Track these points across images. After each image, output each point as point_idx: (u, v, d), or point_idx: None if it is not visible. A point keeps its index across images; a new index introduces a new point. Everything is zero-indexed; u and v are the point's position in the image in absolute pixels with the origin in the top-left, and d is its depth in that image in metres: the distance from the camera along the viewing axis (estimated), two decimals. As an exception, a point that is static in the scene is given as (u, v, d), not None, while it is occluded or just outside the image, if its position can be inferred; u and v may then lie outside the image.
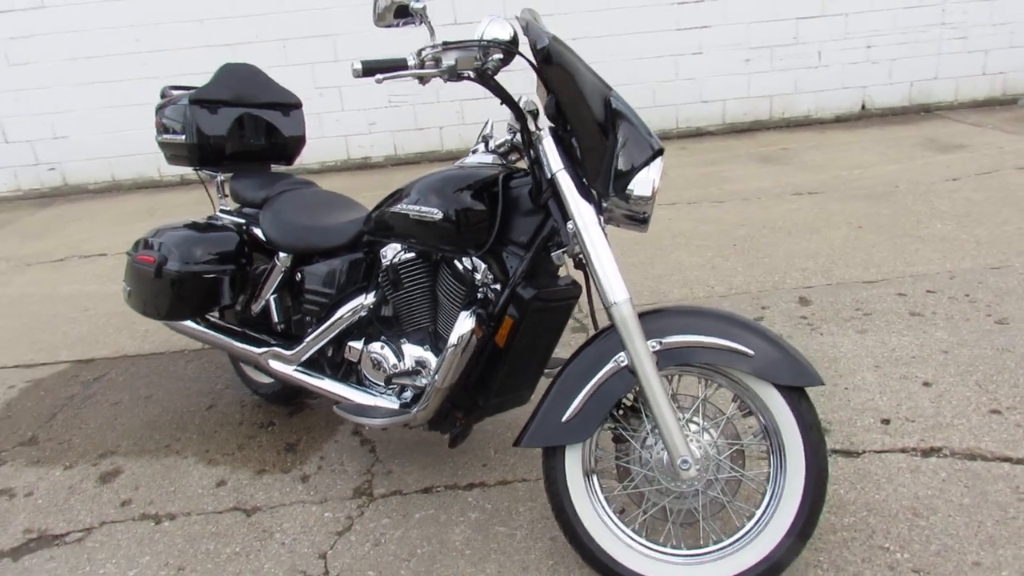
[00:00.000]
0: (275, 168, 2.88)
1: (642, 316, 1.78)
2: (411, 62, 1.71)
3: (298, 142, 2.84)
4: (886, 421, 2.34)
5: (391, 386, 2.17)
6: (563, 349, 2.80)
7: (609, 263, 1.73)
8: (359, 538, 2.07)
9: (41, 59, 5.97)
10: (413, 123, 6.36)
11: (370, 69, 1.68)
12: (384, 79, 1.70)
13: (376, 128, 6.36)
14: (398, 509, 2.17)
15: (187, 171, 6.32)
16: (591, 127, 1.71)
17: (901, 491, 2.04)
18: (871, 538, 1.89)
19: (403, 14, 1.73)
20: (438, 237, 1.96)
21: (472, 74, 1.77)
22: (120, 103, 6.11)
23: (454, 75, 1.74)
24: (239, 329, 2.58)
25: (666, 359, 1.74)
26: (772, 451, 1.76)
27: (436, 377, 2.00)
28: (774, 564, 1.70)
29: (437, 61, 1.72)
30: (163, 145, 2.71)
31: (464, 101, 6.31)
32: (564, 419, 1.75)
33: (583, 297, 2.15)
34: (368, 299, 2.22)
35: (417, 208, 1.96)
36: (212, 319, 2.68)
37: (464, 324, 1.96)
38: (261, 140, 2.70)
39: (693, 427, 1.81)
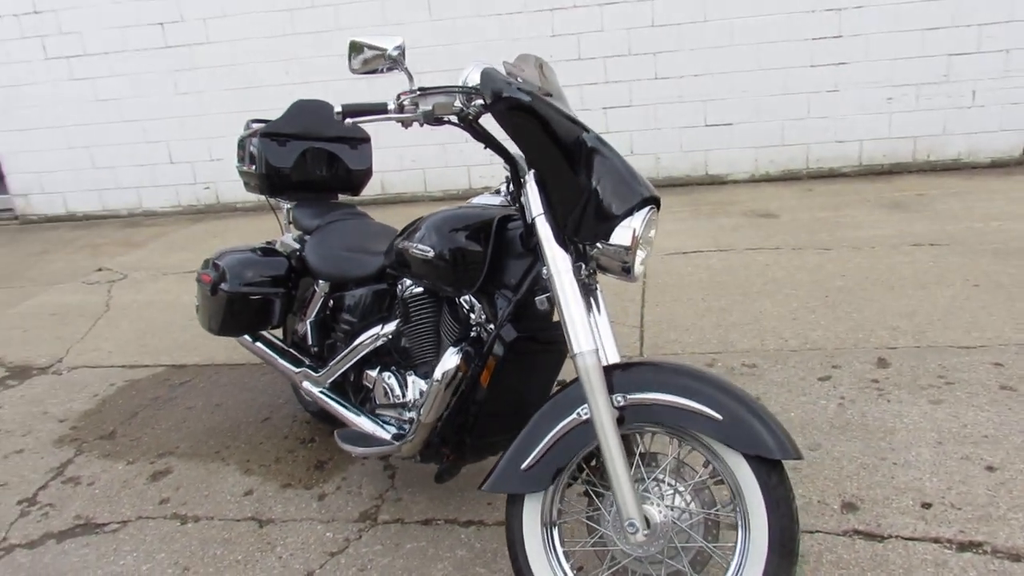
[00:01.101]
0: (342, 198, 3.03)
1: (615, 368, 1.73)
2: (391, 106, 1.77)
3: (363, 175, 2.98)
4: (927, 505, 2.11)
5: (390, 417, 2.22)
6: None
7: (577, 312, 1.70)
8: (348, 561, 2.13)
9: (203, 89, 6.63)
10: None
11: (351, 112, 1.76)
12: (362, 122, 1.77)
13: (497, 158, 6.52)
14: (393, 537, 2.21)
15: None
16: (561, 175, 1.69)
17: (916, 586, 1.83)
18: (861, 634, 1.71)
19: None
20: (432, 274, 2.00)
21: (454, 119, 1.81)
22: (268, 130, 6.68)
23: (431, 119, 1.78)
24: (286, 348, 2.73)
25: (632, 415, 1.68)
26: (739, 523, 1.64)
27: (421, 411, 2.03)
28: (723, 647, 1.58)
29: (416, 105, 1.77)
30: (241, 173, 2.94)
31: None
32: (523, 467, 1.73)
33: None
34: (386, 329, 2.30)
35: (415, 245, 2.02)
36: (269, 337, 2.85)
37: (449, 360, 1.99)
38: (324, 172, 2.87)
39: (666, 489, 1.73)
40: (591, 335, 1.69)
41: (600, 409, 1.63)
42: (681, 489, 1.72)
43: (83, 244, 6.22)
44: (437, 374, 1.99)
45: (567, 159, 1.69)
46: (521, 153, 1.83)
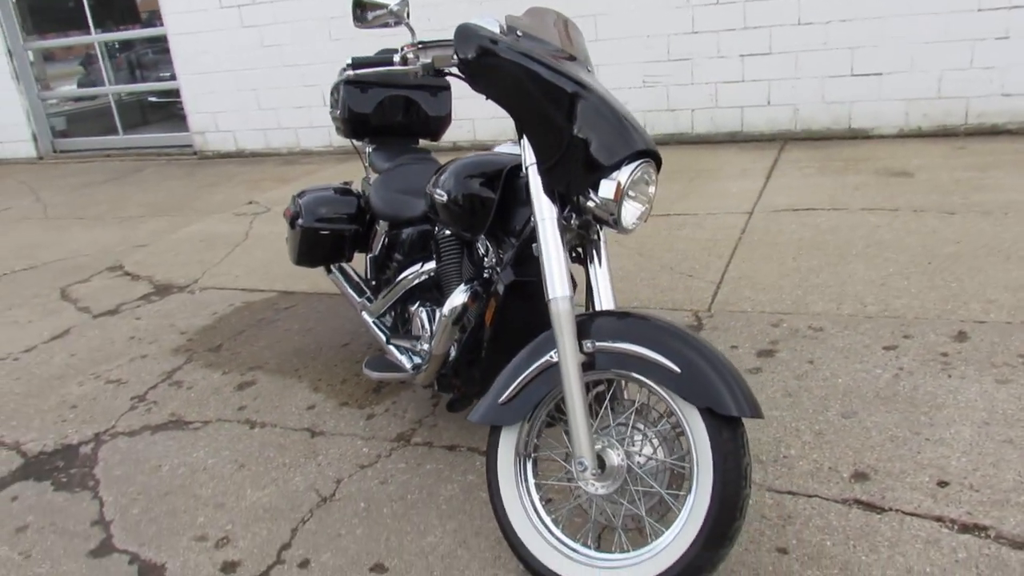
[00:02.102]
0: (422, 144, 3.21)
1: (595, 316, 1.80)
2: (395, 59, 1.90)
3: (442, 121, 3.14)
4: (943, 484, 2.02)
5: (416, 348, 2.40)
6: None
7: (556, 259, 1.78)
8: (374, 474, 2.36)
9: (354, 36, 7.01)
10: (666, 103, 6.34)
11: (359, 64, 1.90)
12: (368, 73, 1.91)
13: (628, 107, 6.46)
14: (419, 458, 2.41)
15: (463, 138, 7.03)
16: (543, 129, 1.75)
17: (896, 560, 1.79)
18: (818, 597, 1.71)
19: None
20: (447, 216, 2.13)
21: (454, 70, 1.90)
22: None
23: (431, 71, 1.89)
24: (357, 282, 2.98)
25: (601, 362, 1.75)
26: (691, 476, 1.69)
27: (432, 344, 2.20)
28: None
29: (417, 57, 1.88)
30: (332, 118, 3.19)
31: (719, 84, 6.12)
32: (500, 401, 1.85)
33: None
34: (425, 267, 2.46)
35: (436, 189, 2.15)
36: (347, 270, 3.11)
37: (457, 297, 2.13)
38: (403, 118, 3.04)
39: (635, 436, 1.79)
40: (566, 282, 1.77)
41: (566, 352, 1.71)
42: (643, 436, 1.77)
43: (244, 179, 6.87)
44: (445, 309, 2.13)
45: (551, 113, 1.74)
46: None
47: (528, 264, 2.06)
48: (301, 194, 2.96)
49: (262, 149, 7.87)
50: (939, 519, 1.90)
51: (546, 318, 2.14)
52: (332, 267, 3.06)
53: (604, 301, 1.95)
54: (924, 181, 4.59)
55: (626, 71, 6.34)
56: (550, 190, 1.82)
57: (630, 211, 1.82)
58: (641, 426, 1.79)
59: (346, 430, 2.62)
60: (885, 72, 5.70)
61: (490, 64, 1.74)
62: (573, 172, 1.77)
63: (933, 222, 3.88)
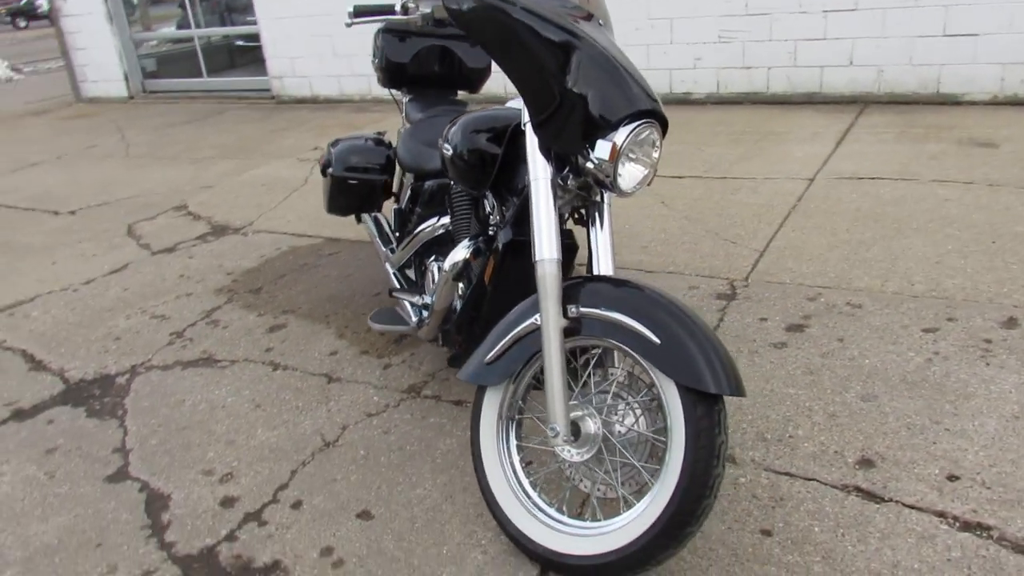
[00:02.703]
0: (461, 96, 3.17)
1: (585, 280, 1.76)
2: (397, 7, 1.86)
3: (480, 73, 3.08)
4: (953, 478, 1.91)
5: (424, 302, 2.41)
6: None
7: (546, 220, 1.74)
8: (379, 423, 2.40)
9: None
10: (740, 61, 6.07)
11: (360, 11, 1.88)
12: (370, 22, 1.89)
13: (701, 64, 6.21)
14: (424, 410, 2.44)
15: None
16: (538, 85, 1.70)
17: (884, 554, 1.71)
18: (792, 583, 1.65)
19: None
20: (453, 171, 2.10)
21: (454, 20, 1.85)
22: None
23: (430, 20, 1.85)
24: (385, 232, 3.00)
25: (585, 328, 1.71)
26: (666, 450, 1.64)
27: (434, 298, 2.19)
28: (616, 565, 1.62)
29: (417, 6, 1.84)
30: (373, 66, 3.18)
31: (799, 41, 5.81)
32: (486, 360, 1.84)
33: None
34: (441, 221, 2.45)
35: (444, 142, 2.13)
36: (380, 219, 3.13)
37: (458, 253, 2.12)
38: (439, 68, 3.01)
39: (617, 406, 1.76)
40: (554, 245, 1.73)
41: (548, 315, 1.68)
42: (625, 407, 1.73)
43: (314, 125, 6.97)
44: (446, 264, 2.12)
45: (543, 67, 1.68)
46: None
47: (528, 224, 2.02)
48: (335, 143, 2.98)
49: (336, 95, 7.96)
50: (940, 514, 1.80)
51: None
52: (365, 216, 3.08)
53: (603, 266, 1.90)
54: (1009, 153, 4.26)
55: (701, 25, 6.09)
56: (546, 149, 1.78)
57: (630, 174, 1.76)
58: (625, 396, 1.75)
59: (361, 378, 2.67)
60: (981, 33, 5.28)
61: (479, 14, 1.68)
62: (569, 131, 1.72)
63: (1008, 198, 3.61)
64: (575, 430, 1.71)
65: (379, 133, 3.05)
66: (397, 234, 2.86)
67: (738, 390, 1.57)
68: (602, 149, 1.70)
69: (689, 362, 1.56)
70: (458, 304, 2.24)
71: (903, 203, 3.68)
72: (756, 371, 2.45)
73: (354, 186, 2.87)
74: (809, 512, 1.85)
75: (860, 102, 5.69)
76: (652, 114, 1.73)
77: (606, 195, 1.93)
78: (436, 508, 2.00)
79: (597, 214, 1.94)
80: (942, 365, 2.37)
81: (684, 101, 6.35)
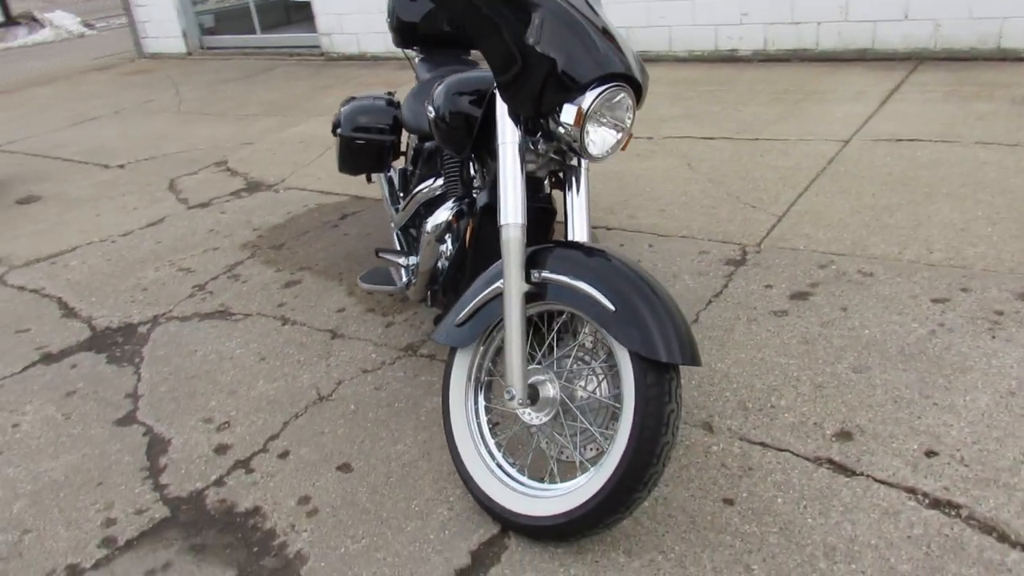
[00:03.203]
0: (475, 56, 3.15)
1: (552, 246, 1.77)
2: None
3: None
4: (932, 454, 1.86)
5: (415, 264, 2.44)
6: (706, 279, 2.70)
7: (511, 185, 1.75)
8: (373, 379, 2.46)
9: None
10: (789, 16, 5.83)
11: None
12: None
13: (748, 19, 5.99)
14: (417, 369, 2.49)
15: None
16: (502, 49, 1.68)
17: (843, 527, 1.70)
18: (746, 553, 1.66)
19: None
20: (435, 133, 2.11)
21: None
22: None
23: None
24: (396, 192, 3.04)
25: (548, 293, 1.72)
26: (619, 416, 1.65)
27: (418, 260, 2.23)
28: (566, 527, 1.65)
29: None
30: (388, 26, 3.19)
31: (853, -5, 5.55)
32: (456, 323, 1.87)
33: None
34: (437, 182, 2.47)
35: (428, 104, 2.13)
36: (394, 180, 3.16)
37: (440, 215, 2.14)
38: (445, 27, 2.99)
39: (581, 370, 1.77)
40: (519, 210, 1.73)
41: (510, 280, 1.70)
42: (588, 373, 1.74)
43: (358, 83, 7.02)
44: (428, 226, 2.15)
45: (506, 30, 1.66)
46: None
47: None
48: (347, 102, 3.01)
49: (383, 53, 7.97)
50: (911, 491, 1.77)
51: (540, 232, 2.12)
52: (378, 176, 3.12)
53: (577, 232, 1.89)
54: (1065, 114, 4.03)
55: (750, -22, 5.88)
56: (515, 113, 1.77)
57: (602, 139, 1.75)
58: (589, 362, 1.76)
59: (363, 335, 2.73)
60: (1050, -16, 4.96)
61: None
62: (533, 94, 1.71)
63: (1053, 163, 3.42)
64: (534, 393, 1.73)
65: (389, 93, 3.07)
66: (401, 194, 2.89)
67: (691, 360, 1.57)
68: (568, 113, 1.69)
69: (642, 330, 1.56)
70: (444, 265, 2.26)
71: (938, 166, 3.53)
72: (751, 339, 2.41)
73: (362, 146, 2.91)
74: (776, 483, 1.84)
75: (914, 59, 5.42)
76: (625, 78, 1.71)
77: (583, 160, 1.91)
78: (412, 464, 2.06)
79: (574, 178, 1.93)
80: (945, 337, 2.30)
81: (729, 59, 6.16)
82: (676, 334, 1.56)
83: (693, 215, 3.37)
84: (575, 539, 1.69)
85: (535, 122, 1.78)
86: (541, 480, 1.79)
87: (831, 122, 4.32)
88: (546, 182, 2.03)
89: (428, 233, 2.16)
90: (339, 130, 2.92)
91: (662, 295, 1.61)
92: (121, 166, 5.23)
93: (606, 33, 1.74)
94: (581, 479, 1.67)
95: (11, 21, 13.33)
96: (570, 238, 1.89)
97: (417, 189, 2.55)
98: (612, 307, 1.59)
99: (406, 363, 2.53)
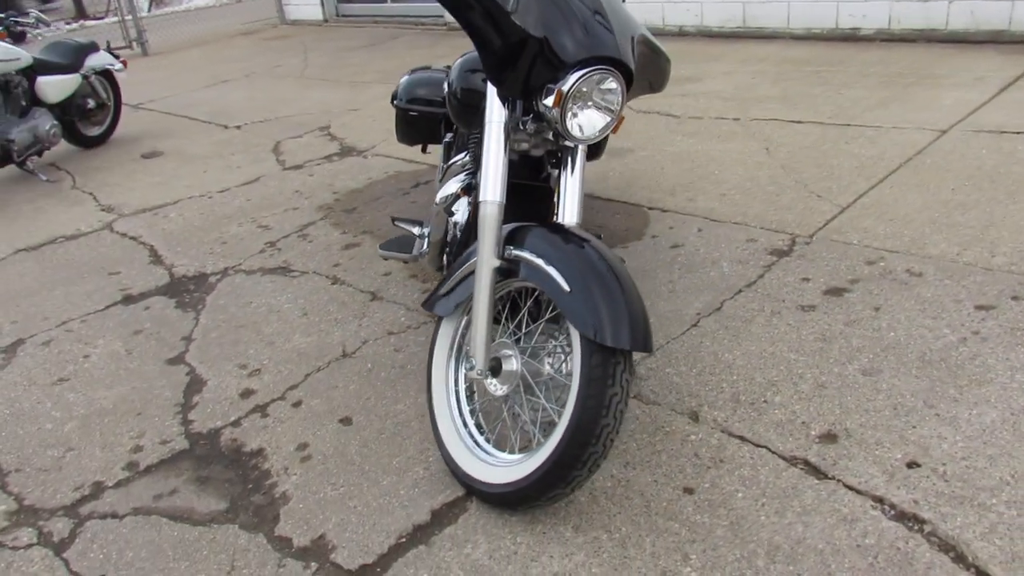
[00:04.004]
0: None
1: (528, 226, 1.81)
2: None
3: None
4: (913, 465, 1.78)
5: (436, 233, 2.53)
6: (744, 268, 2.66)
7: (494, 163, 1.81)
8: (395, 341, 2.60)
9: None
10: (919, -8, 5.44)
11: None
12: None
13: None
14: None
15: (689, 23, 6.63)
16: (490, 31, 1.72)
17: (794, 528, 1.67)
18: (689, 543, 1.67)
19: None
20: (449, 108, 2.19)
21: None
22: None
23: None
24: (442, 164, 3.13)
25: (520, 270, 1.77)
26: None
27: (430, 230, 2.32)
28: (511, 496, 1.71)
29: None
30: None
31: (991, -30, 5.10)
32: (442, 293, 1.96)
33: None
34: (466, 156, 2.55)
35: (446, 80, 2.21)
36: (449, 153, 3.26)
37: (450, 186, 2.22)
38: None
39: (547, 347, 1.83)
40: (498, 188, 1.78)
41: (482, 255, 1.77)
42: (553, 349, 1.79)
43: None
44: (437, 197, 2.23)
45: (488, 11, 1.71)
46: None
47: (519, 167, 2.08)
48: (410, 73, 3.12)
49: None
50: (878, 500, 1.71)
51: (527, 216, 2.17)
52: (434, 147, 3.23)
53: (567, 213, 1.92)
54: None
55: (875, -49, 5.51)
56: (503, 93, 1.82)
57: (589, 122, 1.77)
58: (554, 339, 1.81)
59: (400, 299, 2.87)
60: None
61: None
62: (519, 75, 1.75)
63: None
64: (497, 365, 1.79)
65: (448, 67, 3.15)
66: (444, 165, 2.98)
67: (642, 347, 1.58)
68: (549, 95, 1.72)
69: (592, 312, 1.59)
70: (455, 236, 2.34)
71: (1039, 164, 3.24)
72: (767, 332, 2.36)
73: (415, 118, 3.02)
74: (741, 478, 1.82)
75: (1055, 43, 4.93)
76: (614, 62, 1.72)
77: (575, 145, 1.93)
78: (406, 424, 2.17)
79: (570, 159, 1.95)
80: (975, 346, 2.16)
81: (850, 38, 5.82)
82: (628, 320, 1.58)
83: (753, 201, 3.27)
84: (521, 509, 1.75)
85: (527, 102, 1.82)
86: (503, 449, 1.86)
87: (936, 109, 4.03)
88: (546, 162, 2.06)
89: (436, 204, 2.24)
90: (396, 101, 3.04)
91: (624, 281, 1.63)
92: (238, 127, 5.62)
93: (598, 15, 1.74)
94: (530, 453, 1.72)
95: (178, -13, 14.39)
96: (560, 218, 1.92)
97: (451, 161, 2.63)
98: (567, 287, 1.63)
99: (429, 328, 2.64)
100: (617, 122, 1.82)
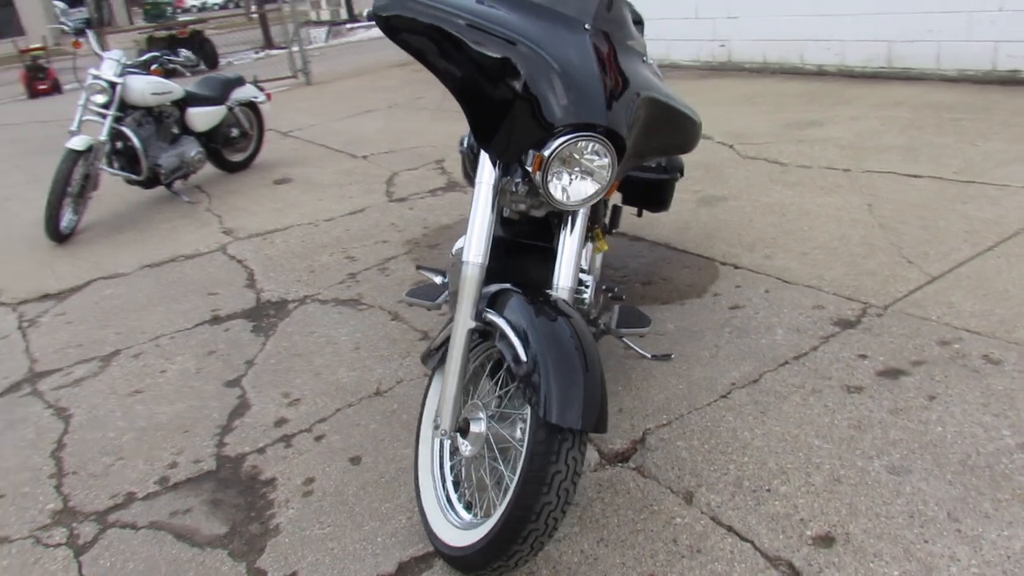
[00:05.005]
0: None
1: (511, 290, 1.80)
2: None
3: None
4: (828, 541, 1.59)
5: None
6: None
7: (479, 224, 1.83)
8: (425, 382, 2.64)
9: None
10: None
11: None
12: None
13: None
14: (469, 381, 2.61)
15: (829, 62, 6.33)
16: (473, 96, 1.75)
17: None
18: None
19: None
20: (468, 164, 2.21)
21: None
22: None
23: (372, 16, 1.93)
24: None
25: (496, 336, 1.77)
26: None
27: (448, 280, 2.35)
28: (459, 562, 1.70)
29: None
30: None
31: None
32: (433, 347, 1.99)
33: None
34: None
35: (465, 134, 2.24)
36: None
37: (463, 239, 2.23)
38: None
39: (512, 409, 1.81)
40: (482, 249, 1.80)
41: (459, 316, 1.79)
42: (514, 416, 1.76)
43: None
44: (453, 248, 2.26)
45: (479, 82, 1.72)
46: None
47: (512, 224, 2.08)
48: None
49: (686, 61, 8.00)
50: (766, 557, 1.54)
51: (536, 276, 2.16)
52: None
53: (562, 276, 1.90)
54: None
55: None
56: (490, 155, 1.83)
57: (575, 188, 1.75)
58: (517, 407, 1.78)
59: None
60: None
61: (403, 20, 1.74)
62: (505, 137, 1.76)
63: None
64: (466, 426, 1.79)
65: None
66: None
67: (593, 427, 1.53)
68: (530, 160, 1.71)
69: (544, 388, 1.55)
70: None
71: None
72: (799, 412, 2.19)
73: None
74: (712, 573, 1.70)
75: None
76: (588, 127, 1.68)
77: (577, 208, 1.90)
78: (407, 470, 2.20)
79: (570, 221, 1.93)
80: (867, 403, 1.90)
81: (1009, 80, 5.30)
82: (583, 400, 1.53)
83: (835, 263, 3.05)
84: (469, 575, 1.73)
85: (517, 164, 1.82)
86: (469, 509, 1.84)
87: (1079, 169, 3.59)
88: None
89: (452, 255, 2.27)
90: (460, 147, 3.10)
91: (590, 361, 1.59)
92: (364, 157, 5.93)
93: (592, 76, 1.71)
94: (480, 521, 1.70)
95: (353, 19, 15.43)
96: (555, 282, 1.90)
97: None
98: (524, 359, 1.60)
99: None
100: (610, 187, 1.78)
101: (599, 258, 2.51)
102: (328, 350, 2.96)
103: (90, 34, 4.86)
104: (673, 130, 2.06)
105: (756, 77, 6.78)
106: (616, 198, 3.01)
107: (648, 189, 2.97)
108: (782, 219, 3.55)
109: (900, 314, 2.62)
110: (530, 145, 1.72)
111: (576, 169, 1.73)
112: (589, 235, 2.48)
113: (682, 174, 3.04)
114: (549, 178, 1.71)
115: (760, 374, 2.40)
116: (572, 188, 1.75)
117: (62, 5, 4.76)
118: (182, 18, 15.59)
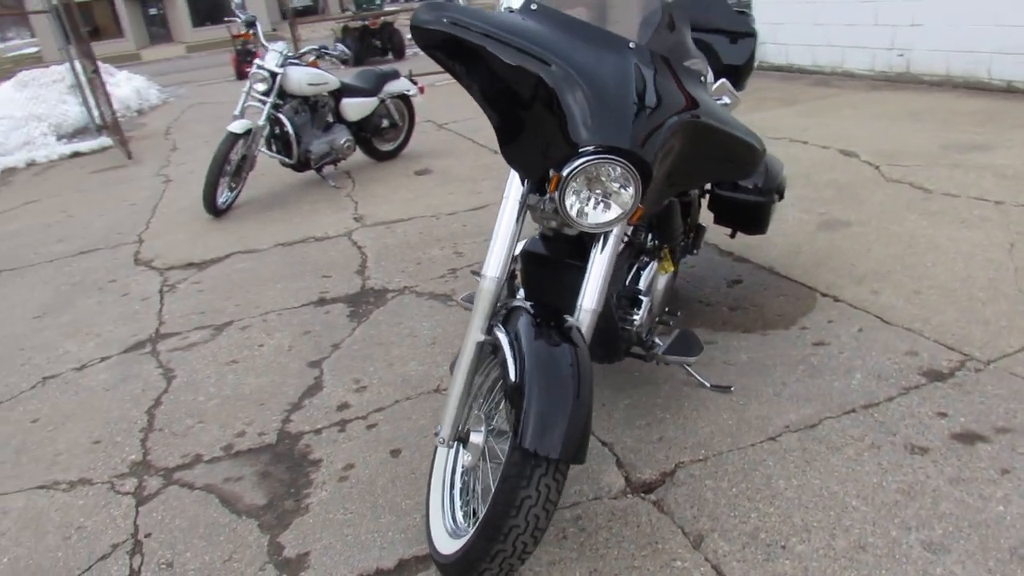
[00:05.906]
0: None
1: (525, 308, 1.81)
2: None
3: (738, 70, 2.93)
4: None
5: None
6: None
7: (501, 238, 1.86)
8: (485, 387, 2.68)
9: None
10: None
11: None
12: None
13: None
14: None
15: (1021, 78, 5.71)
16: (503, 112, 1.76)
17: None
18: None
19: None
20: None
21: None
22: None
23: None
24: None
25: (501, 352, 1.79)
26: (503, 484, 1.67)
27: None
28: (442, 570, 1.73)
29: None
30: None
31: None
32: (452, 364, 2.03)
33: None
34: None
35: None
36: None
37: None
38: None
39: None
40: (500, 263, 1.82)
41: (470, 329, 1.82)
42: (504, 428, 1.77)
43: (762, 96, 6.84)
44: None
45: (509, 99, 1.73)
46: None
47: (547, 240, 2.07)
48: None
49: (808, 65, 7.58)
50: None
51: (570, 290, 2.13)
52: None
53: (587, 297, 1.88)
54: None
55: None
56: (518, 172, 1.83)
57: (594, 212, 1.73)
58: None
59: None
60: None
61: (441, 35, 1.76)
62: (529, 155, 1.76)
63: None
64: (467, 437, 1.81)
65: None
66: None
67: (569, 458, 1.52)
68: (550, 180, 1.71)
69: (524, 412, 1.55)
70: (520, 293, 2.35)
71: None
72: (847, 468, 2.02)
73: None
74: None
75: None
76: (626, 153, 1.65)
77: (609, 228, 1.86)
78: (437, 469, 2.26)
79: (602, 240, 1.89)
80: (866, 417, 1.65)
81: None
82: (564, 429, 1.52)
83: (948, 306, 2.77)
84: (450, 585, 1.75)
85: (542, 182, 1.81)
86: (468, 518, 1.87)
87: None
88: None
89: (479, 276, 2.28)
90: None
91: (582, 390, 1.57)
92: (505, 153, 6.03)
93: (623, 101, 1.68)
94: (461, 535, 1.72)
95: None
96: (580, 301, 1.87)
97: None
98: (513, 379, 1.61)
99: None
100: (634, 212, 1.73)
101: (664, 279, 2.44)
102: (407, 342, 3.08)
103: (258, 27, 5.31)
104: (724, 155, 1.96)
105: (933, 91, 6.21)
106: (706, 218, 2.90)
107: (740, 210, 2.84)
108: (905, 251, 3.26)
109: (1002, 372, 2.34)
110: (554, 164, 1.71)
111: (599, 192, 1.70)
112: (657, 255, 2.42)
113: (781, 196, 2.87)
114: (566, 198, 1.69)
115: (820, 419, 2.23)
116: (591, 210, 1.72)
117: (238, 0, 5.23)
118: (388, 8, 16.48)
